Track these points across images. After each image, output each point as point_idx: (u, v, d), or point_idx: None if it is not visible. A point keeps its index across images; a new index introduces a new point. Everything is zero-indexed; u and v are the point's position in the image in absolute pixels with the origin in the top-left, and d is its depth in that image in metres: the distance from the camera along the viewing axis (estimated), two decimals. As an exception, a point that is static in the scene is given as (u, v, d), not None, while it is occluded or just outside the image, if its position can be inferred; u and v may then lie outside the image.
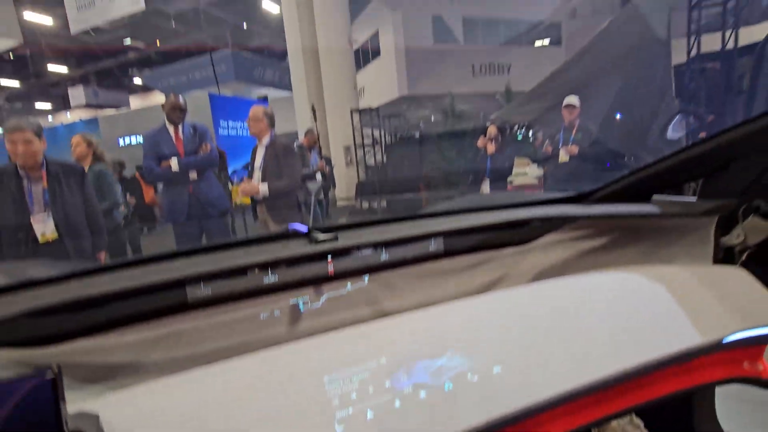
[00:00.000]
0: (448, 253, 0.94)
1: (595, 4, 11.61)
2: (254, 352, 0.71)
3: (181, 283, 0.71)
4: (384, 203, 7.62)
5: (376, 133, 9.13)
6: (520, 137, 7.53)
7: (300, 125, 9.05)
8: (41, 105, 19.51)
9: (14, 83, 16.98)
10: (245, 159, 3.29)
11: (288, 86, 11.29)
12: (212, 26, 13.61)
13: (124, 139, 11.33)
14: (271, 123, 2.97)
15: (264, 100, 11.77)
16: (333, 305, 0.90)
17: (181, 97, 3.02)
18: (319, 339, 0.74)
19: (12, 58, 14.62)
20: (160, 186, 3.54)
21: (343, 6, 8.65)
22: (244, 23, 14.36)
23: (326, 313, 0.87)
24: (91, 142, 3.24)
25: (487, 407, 0.62)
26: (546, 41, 13.66)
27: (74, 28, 7.33)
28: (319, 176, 4.71)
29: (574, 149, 3.92)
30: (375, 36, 13.21)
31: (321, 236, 0.85)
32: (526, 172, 6.03)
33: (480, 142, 4.09)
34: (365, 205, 8.08)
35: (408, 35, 12.06)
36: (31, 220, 1.99)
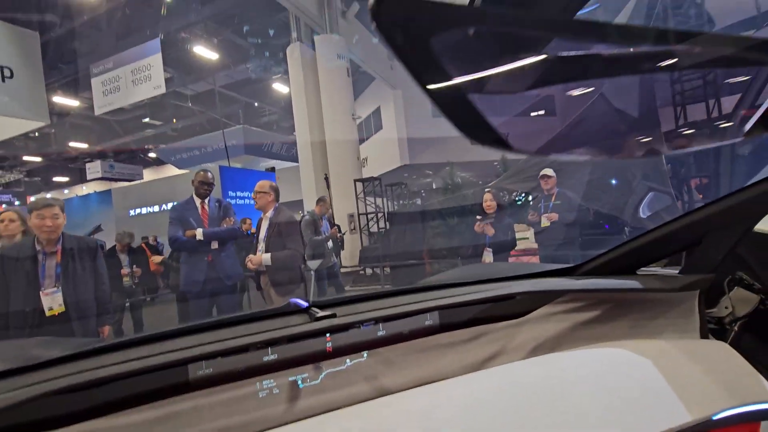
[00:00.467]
0: (444, 328, 0.96)
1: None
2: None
3: (183, 363, 0.74)
4: (387, 270, 7.61)
5: (379, 201, 9.39)
6: (519, 203, 7.73)
7: (306, 194, 9.34)
8: (59, 178, 20.34)
9: (36, 159, 17.89)
10: (252, 227, 3.43)
11: (294, 158, 11.82)
12: (226, 105, 14.60)
13: (134, 210, 11.68)
14: (276, 196, 3.11)
15: (271, 171, 12.27)
16: (332, 382, 0.91)
17: (210, 173, 3.20)
18: (317, 420, 0.75)
19: (36, 135, 15.58)
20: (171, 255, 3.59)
21: (347, 85, 9.33)
22: (255, 102, 15.40)
23: (325, 389, 0.88)
24: (24, 219, 3.35)
25: None
26: (542, 111, 14.41)
27: (98, 110, 7.90)
28: (330, 243, 4.83)
29: (554, 216, 4.29)
30: (377, 111, 14.07)
31: (320, 313, 0.88)
32: (527, 237, 6.13)
33: (477, 228, 4.20)
34: (368, 271, 8.07)
35: (408, 110, 12.85)
36: (41, 294, 2.04)
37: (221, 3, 9.40)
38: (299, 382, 0.89)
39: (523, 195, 7.59)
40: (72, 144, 17.05)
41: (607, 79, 0.32)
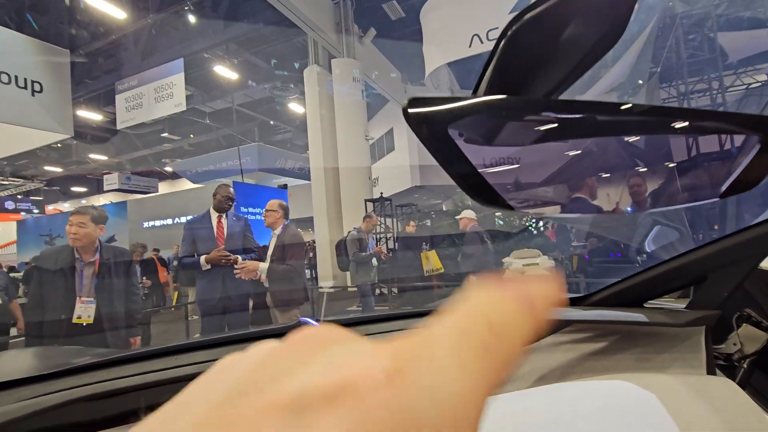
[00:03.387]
0: None
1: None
2: None
3: (189, 378, 0.76)
4: (396, 290, 7.58)
5: (390, 221, 9.43)
6: (533, 229, 7.68)
7: (316, 211, 9.42)
8: (77, 188, 20.85)
9: (56, 169, 18.42)
10: (263, 241, 3.46)
11: (307, 176, 11.99)
12: (243, 122, 14.96)
13: (148, 222, 11.89)
14: (285, 214, 3.16)
15: (284, 188, 12.44)
16: None
17: (231, 188, 3.23)
18: None
19: (59, 146, 16.09)
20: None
21: (361, 106, 9.53)
22: (271, 121, 15.76)
23: None
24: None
25: None
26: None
27: (121, 125, 8.17)
28: (375, 260, 4.86)
29: None
30: (390, 132, 14.27)
31: None
32: (537, 263, 6.07)
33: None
34: (377, 290, 8.04)
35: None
36: (77, 302, 2.08)
37: (243, 26, 9.76)
38: None
39: (535, 220, 7.58)
40: (92, 156, 17.56)
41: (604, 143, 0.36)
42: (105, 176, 18.14)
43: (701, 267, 0.86)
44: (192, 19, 9.59)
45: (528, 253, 6.07)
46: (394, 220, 9.50)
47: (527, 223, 7.73)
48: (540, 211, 0.40)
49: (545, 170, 0.35)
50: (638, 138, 0.35)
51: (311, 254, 10.39)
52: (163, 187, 18.84)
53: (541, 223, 7.52)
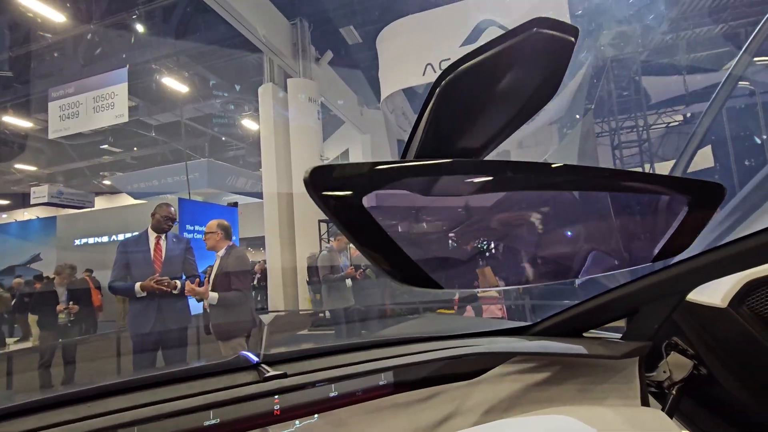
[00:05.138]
0: (399, 387, 0.95)
1: (537, 138, 13.33)
2: None
3: (112, 429, 0.68)
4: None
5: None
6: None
7: (268, 230, 9.16)
8: (-2, 201, 18.92)
9: (-26, 179, 16.64)
10: (209, 261, 3.26)
11: (259, 194, 11.67)
12: (192, 137, 14.38)
13: (80, 240, 10.97)
14: (226, 235, 3.01)
15: (234, 206, 12.00)
16: None
17: (173, 207, 3.04)
18: None
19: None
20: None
21: (317, 127, 9.51)
22: (223, 137, 15.30)
23: None
24: None
25: None
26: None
27: (53, 134, 7.57)
28: (349, 281, 4.57)
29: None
30: (345, 153, 14.33)
31: (269, 372, 0.85)
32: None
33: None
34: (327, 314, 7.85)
35: (375, 155, 13.17)
36: None
37: (196, 39, 9.51)
38: None
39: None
40: (18, 166, 16.06)
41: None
42: (33, 189, 16.60)
43: (634, 300, 0.91)
44: (140, 28, 9.20)
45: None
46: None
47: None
48: (474, 288, 0.38)
49: (477, 237, 0.34)
50: (568, 203, 0.34)
51: (258, 275, 10.00)
52: (100, 203, 17.53)
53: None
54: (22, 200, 17.91)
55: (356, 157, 13.82)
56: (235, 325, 2.87)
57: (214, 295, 2.80)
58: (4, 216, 18.42)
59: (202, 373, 0.89)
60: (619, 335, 1.02)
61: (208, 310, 2.86)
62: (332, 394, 0.90)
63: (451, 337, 1.11)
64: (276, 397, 0.84)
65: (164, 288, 2.70)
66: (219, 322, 2.83)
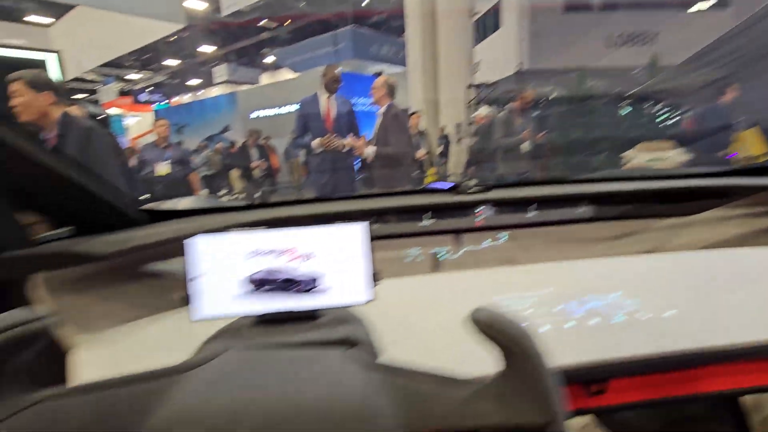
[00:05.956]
0: (596, 219, 0.89)
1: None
2: (424, 274, 0.77)
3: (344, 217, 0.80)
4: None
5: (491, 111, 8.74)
6: (661, 117, 6.53)
7: (412, 99, 9.10)
8: (193, 81, 22.67)
9: (174, 62, 19.98)
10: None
11: (403, 62, 11.36)
12: (337, 4, 14.21)
13: (255, 113, 12.69)
14: (390, 93, 3.09)
15: (378, 75, 12.04)
16: (470, 258, 0.91)
17: (340, 68, 3.26)
18: (484, 271, 0.79)
19: (172, 40, 17.17)
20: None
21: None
22: (363, 2, 14.71)
23: (462, 265, 0.90)
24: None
25: (655, 343, 0.61)
26: (705, 4, 11.49)
27: (225, 11, 8.29)
28: (526, 144, 3.94)
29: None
30: (497, 6, 12.50)
31: (472, 187, 0.87)
32: (664, 158, 5.25)
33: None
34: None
35: (534, 7, 11.17)
36: None
37: None
38: (441, 253, 0.92)
39: (669, 108, 6.40)
40: (201, 49, 18.55)
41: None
42: (214, 69, 19.28)
43: None
44: None
45: (657, 145, 5.26)
46: (497, 109, 8.79)
47: (659, 114, 6.57)
48: None
49: None
50: None
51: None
52: (265, 78, 19.55)
53: (676, 112, 6.34)
54: (208, 79, 21.11)
55: (509, 13, 11.96)
56: (389, 180, 3.09)
57: (370, 150, 3.01)
58: (199, 94, 22.18)
59: (405, 192, 0.96)
60: None
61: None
62: (528, 216, 0.89)
63: (661, 177, 0.96)
64: (479, 209, 0.87)
65: (335, 146, 3.02)
66: (376, 175, 3.09)
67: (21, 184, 0.61)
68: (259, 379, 0.36)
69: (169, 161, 3.80)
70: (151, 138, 4.04)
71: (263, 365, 0.38)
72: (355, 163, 3.29)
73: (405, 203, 0.85)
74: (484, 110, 7.38)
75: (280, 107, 12.00)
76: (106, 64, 15.32)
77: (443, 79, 8.52)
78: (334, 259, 0.49)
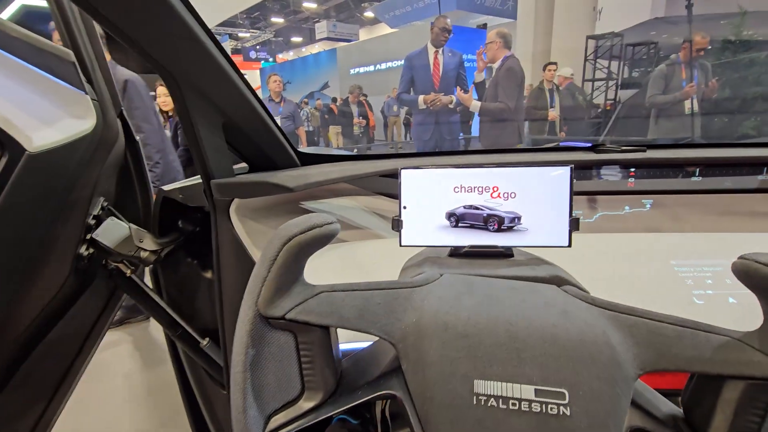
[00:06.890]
0: None
1: None
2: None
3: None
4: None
5: (615, 65, 7.70)
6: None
7: (522, 54, 8.39)
8: (296, 38, 23.53)
9: (279, 20, 20.83)
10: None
11: (511, 13, 10.44)
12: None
13: (354, 69, 12.82)
14: (506, 44, 2.88)
15: (483, 28, 11.28)
16: (606, 224, 0.84)
17: (448, 19, 3.11)
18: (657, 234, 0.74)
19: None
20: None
21: None
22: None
23: (597, 230, 0.83)
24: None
25: None
26: None
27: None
28: (689, 104, 3.42)
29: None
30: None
31: (625, 147, 0.78)
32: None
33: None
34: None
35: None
36: None
37: None
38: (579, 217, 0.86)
39: None
40: (304, 5, 18.98)
41: None
42: (316, 25, 19.69)
43: None
44: None
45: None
46: (622, 63, 7.71)
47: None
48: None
49: None
50: None
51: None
52: (363, 34, 19.50)
53: None
54: (309, 36, 21.70)
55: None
56: (496, 137, 2.95)
57: (476, 104, 2.88)
58: (303, 50, 22.99)
59: (547, 147, 0.90)
60: None
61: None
62: (694, 179, 0.78)
63: None
64: (632, 170, 0.78)
65: (443, 103, 2.94)
66: (482, 134, 2.97)
67: (233, 123, 0.70)
68: (491, 300, 0.37)
69: (281, 116, 4.04)
70: (262, 94, 4.32)
71: (488, 288, 0.39)
72: (456, 119, 3.18)
73: (538, 160, 0.79)
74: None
75: (375, 65, 11.97)
76: (221, 24, 16.50)
77: (558, 27, 7.68)
78: (536, 200, 0.48)
